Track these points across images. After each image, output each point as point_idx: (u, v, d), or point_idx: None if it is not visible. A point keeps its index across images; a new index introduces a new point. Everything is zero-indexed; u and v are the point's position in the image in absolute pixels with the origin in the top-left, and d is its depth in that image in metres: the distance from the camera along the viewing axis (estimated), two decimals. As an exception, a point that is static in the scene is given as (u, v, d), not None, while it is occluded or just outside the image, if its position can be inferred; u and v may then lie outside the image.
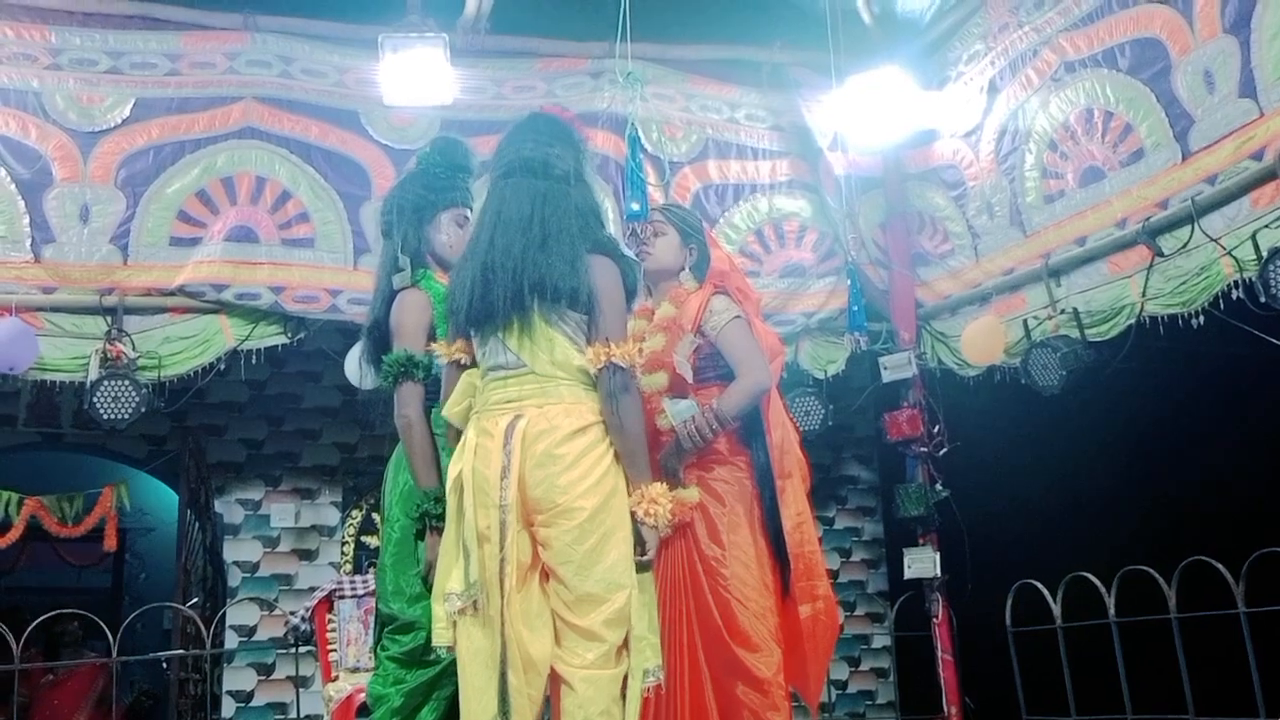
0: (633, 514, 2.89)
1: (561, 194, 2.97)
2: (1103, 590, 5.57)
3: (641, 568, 2.90)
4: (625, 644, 2.83)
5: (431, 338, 3.38)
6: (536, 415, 2.85)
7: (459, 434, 3.04)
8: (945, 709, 6.60)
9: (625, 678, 2.83)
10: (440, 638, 2.92)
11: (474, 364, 3.08)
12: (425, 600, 3.21)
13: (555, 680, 2.80)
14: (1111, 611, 5.55)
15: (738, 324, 3.47)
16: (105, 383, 5.68)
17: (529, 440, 2.82)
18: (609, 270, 2.95)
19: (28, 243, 5.82)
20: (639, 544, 2.89)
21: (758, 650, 3.26)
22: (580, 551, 2.78)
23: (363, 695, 4.65)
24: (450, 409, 3.08)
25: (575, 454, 2.83)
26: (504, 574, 2.78)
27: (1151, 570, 5.37)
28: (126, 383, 5.71)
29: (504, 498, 2.80)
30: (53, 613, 6.00)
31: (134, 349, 5.84)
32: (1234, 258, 4.92)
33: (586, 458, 2.84)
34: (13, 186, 5.82)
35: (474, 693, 2.80)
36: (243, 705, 7.18)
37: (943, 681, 6.61)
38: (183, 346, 6.00)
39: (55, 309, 5.84)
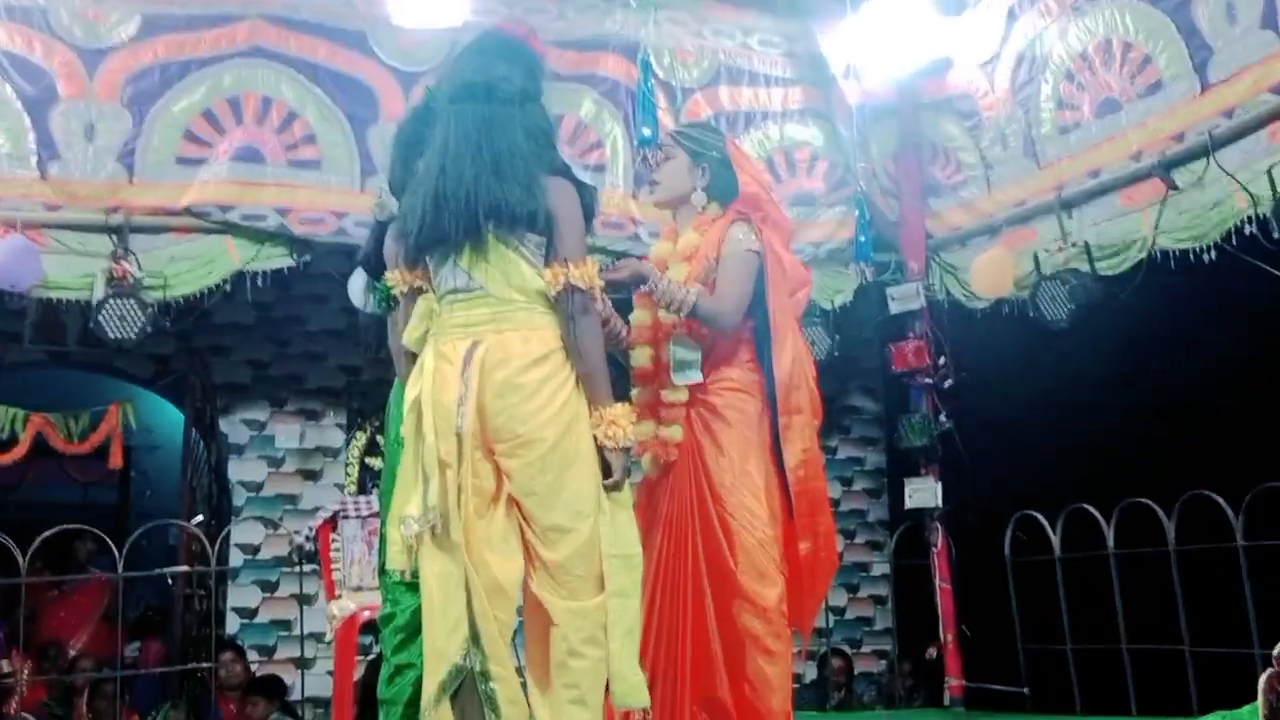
0: (594, 438, 2.85)
1: (507, 117, 2.90)
2: (1102, 522, 5.61)
3: (610, 489, 2.86)
4: (602, 571, 2.81)
5: None
6: (495, 342, 2.80)
7: (414, 359, 2.99)
8: (941, 636, 6.68)
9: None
10: (394, 561, 2.89)
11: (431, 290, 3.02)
12: None
13: (538, 610, 2.81)
14: (1110, 543, 5.60)
15: (743, 258, 3.41)
16: (111, 301, 5.67)
17: (488, 369, 2.78)
18: (566, 191, 2.90)
19: (33, 159, 5.77)
20: (604, 468, 2.85)
21: (762, 578, 3.28)
22: (544, 483, 2.76)
23: (367, 613, 4.73)
24: (409, 335, 3.02)
25: (535, 383, 2.78)
26: (461, 501, 2.75)
27: (1151, 503, 5.40)
28: (132, 301, 5.70)
29: (461, 425, 2.76)
30: (59, 528, 6.04)
31: (140, 268, 5.81)
32: (1249, 192, 4.89)
33: (547, 386, 2.79)
34: (18, 103, 5.75)
35: (443, 620, 2.76)
36: (247, 622, 7.27)
37: (940, 610, 6.69)
38: (188, 266, 5.97)
39: (61, 226, 5.80)
